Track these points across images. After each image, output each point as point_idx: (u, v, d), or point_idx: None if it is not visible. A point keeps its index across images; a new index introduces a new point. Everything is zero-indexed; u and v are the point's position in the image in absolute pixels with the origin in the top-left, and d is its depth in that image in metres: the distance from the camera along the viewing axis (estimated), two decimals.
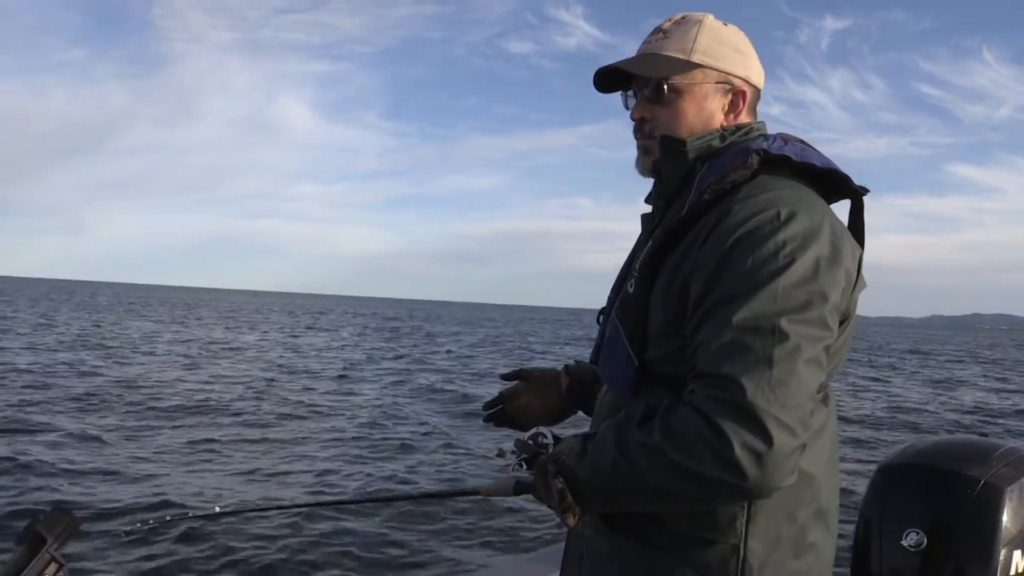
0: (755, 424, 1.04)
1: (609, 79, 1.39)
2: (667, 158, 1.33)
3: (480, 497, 1.52)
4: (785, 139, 1.29)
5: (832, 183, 1.30)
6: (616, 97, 1.43)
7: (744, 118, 1.37)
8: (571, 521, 1.24)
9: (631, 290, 1.30)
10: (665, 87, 1.32)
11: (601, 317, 1.47)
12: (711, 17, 1.36)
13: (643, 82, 1.35)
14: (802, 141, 1.31)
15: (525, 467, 1.36)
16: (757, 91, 1.39)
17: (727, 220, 1.17)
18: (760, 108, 1.42)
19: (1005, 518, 1.56)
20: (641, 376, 1.26)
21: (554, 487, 1.23)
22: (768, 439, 1.03)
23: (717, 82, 1.34)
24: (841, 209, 1.32)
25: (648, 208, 1.43)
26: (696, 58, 1.32)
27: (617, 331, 1.31)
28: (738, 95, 1.35)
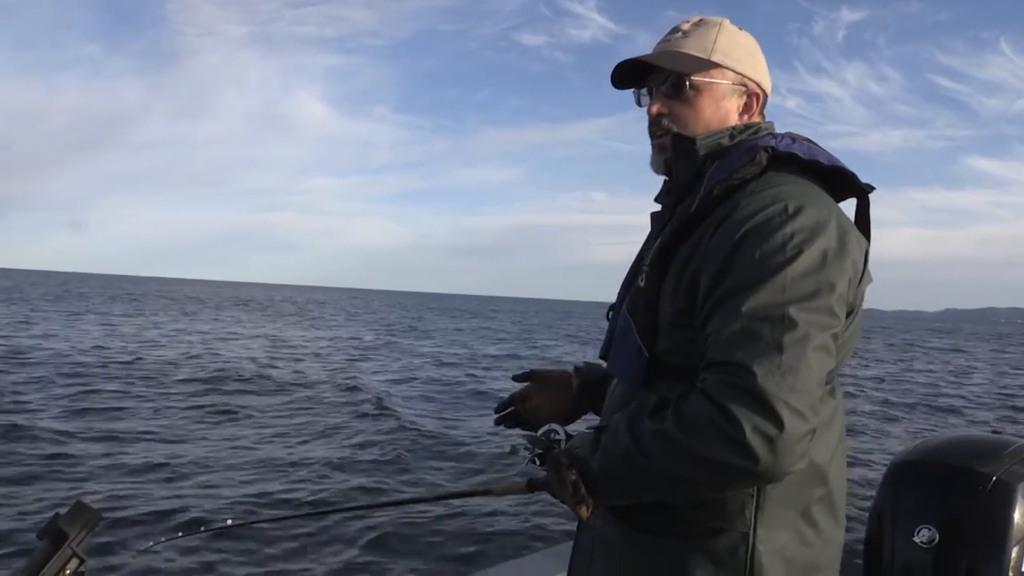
0: (766, 408, 1.05)
1: (623, 75, 1.42)
2: (678, 155, 1.36)
3: (493, 496, 1.53)
4: (793, 138, 1.32)
5: (838, 181, 1.32)
6: (632, 90, 1.46)
7: (755, 120, 1.40)
8: (584, 513, 1.25)
9: (642, 284, 1.32)
10: (687, 83, 1.35)
11: (611, 313, 1.49)
12: (728, 21, 1.40)
13: (661, 78, 1.38)
14: (809, 140, 1.34)
15: (538, 463, 1.37)
16: (767, 96, 1.43)
17: (736, 214, 1.20)
18: (775, 101, 1.46)
19: (1017, 515, 1.56)
20: (651, 368, 1.28)
21: (567, 479, 1.24)
22: (779, 423, 1.05)
23: (734, 83, 1.37)
24: (848, 207, 1.34)
25: (658, 207, 1.46)
26: (716, 58, 1.36)
27: (628, 325, 1.33)
28: (752, 97, 1.39)
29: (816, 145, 1.33)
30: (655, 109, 1.39)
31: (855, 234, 1.24)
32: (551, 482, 1.30)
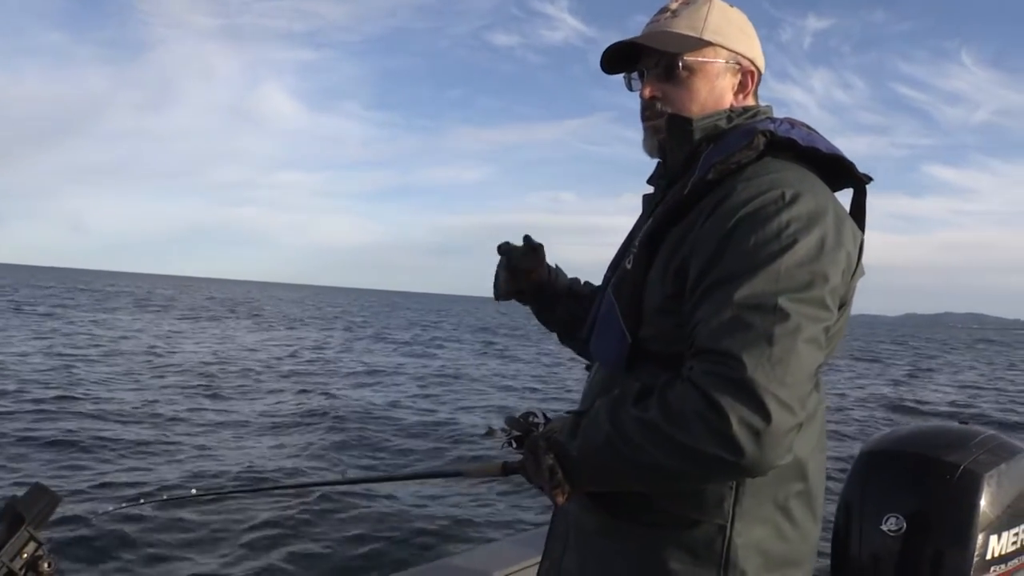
0: (753, 400, 1.03)
1: (612, 60, 1.38)
2: (673, 137, 1.33)
3: (466, 478, 1.50)
4: (792, 123, 1.29)
5: (836, 170, 1.30)
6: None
7: (751, 100, 1.37)
8: (560, 499, 1.22)
9: (629, 267, 1.30)
10: (680, 64, 1.31)
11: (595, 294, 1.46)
12: None
13: (653, 60, 1.34)
14: (808, 126, 1.31)
15: (515, 446, 1.34)
16: (760, 74, 1.39)
17: (730, 199, 1.17)
18: None
19: (983, 503, 1.58)
20: (633, 353, 1.26)
21: (544, 463, 1.21)
22: (766, 416, 1.02)
23: (728, 61, 1.34)
24: (844, 197, 1.32)
25: (650, 189, 1.43)
26: (708, 36, 1.32)
27: (612, 307, 1.31)
28: (747, 75, 1.36)
29: (815, 132, 1.30)
30: (648, 92, 1.35)
31: (850, 225, 1.23)
32: (527, 465, 1.27)
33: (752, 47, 1.37)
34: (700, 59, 1.32)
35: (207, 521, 5.91)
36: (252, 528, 5.92)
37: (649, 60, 1.35)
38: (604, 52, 1.36)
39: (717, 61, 1.33)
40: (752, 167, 1.22)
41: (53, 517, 1.27)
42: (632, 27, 1.41)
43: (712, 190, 1.21)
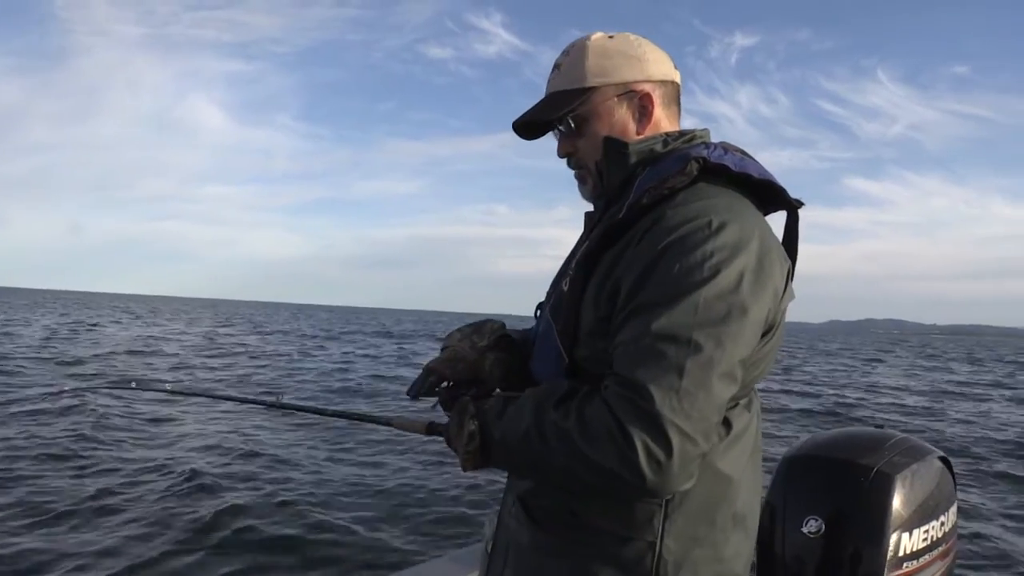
0: (658, 432, 1.06)
1: (529, 127, 1.43)
2: (609, 160, 1.35)
3: (392, 428, 1.61)
4: (726, 148, 1.31)
5: (768, 194, 1.33)
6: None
7: (662, 113, 1.38)
8: (469, 466, 1.29)
9: (565, 288, 1.32)
10: (571, 122, 1.36)
11: (538, 312, 1.48)
12: (596, 35, 1.38)
13: (557, 121, 1.38)
14: (742, 151, 1.34)
15: (443, 409, 1.42)
16: (666, 84, 1.39)
17: (660, 225, 1.19)
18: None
19: (896, 503, 1.66)
20: (571, 374, 1.28)
21: (467, 427, 1.27)
22: (668, 448, 1.06)
23: (618, 95, 1.35)
24: (777, 220, 1.36)
25: (591, 207, 1.45)
26: (591, 82, 1.35)
27: (550, 328, 1.33)
28: (644, 98, 1.36)
29: (749, 157, 1.33)
30: (562, 151, 1.41)
31: (777, 253, 1.25)
32: (451, 427, 1.33)
33: (641, 69, 1.37)
34: (589, 108, 1.35)
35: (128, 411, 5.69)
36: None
37: (555, 120, 1.39)
38: (514, 129, 1.42)
39: (607, 101, 1.35)
40: (684, 193, 1.24)
41: None
42: (565, 40, 1.45)
43: (646, 214, 1.24)
